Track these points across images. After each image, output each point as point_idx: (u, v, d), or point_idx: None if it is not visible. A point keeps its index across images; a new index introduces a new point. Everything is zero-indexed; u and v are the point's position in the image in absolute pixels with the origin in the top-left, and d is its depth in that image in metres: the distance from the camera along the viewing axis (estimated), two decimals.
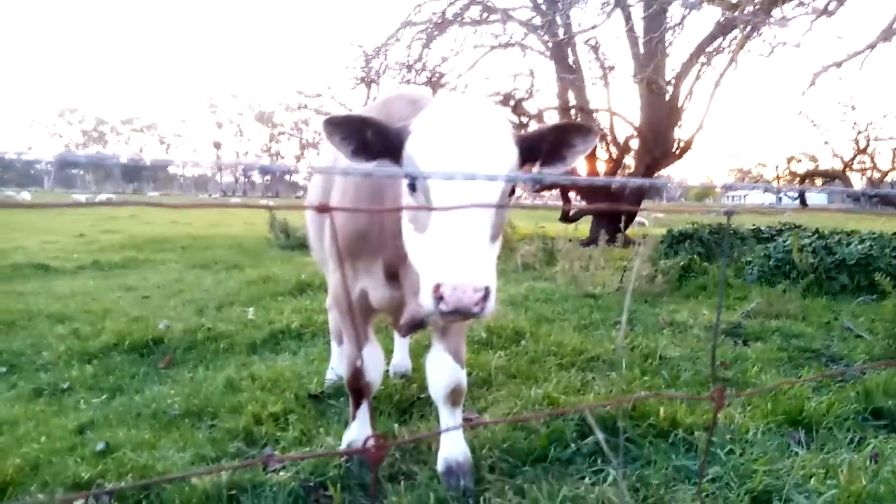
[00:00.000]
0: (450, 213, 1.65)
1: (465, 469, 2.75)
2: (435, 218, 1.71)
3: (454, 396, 2.83)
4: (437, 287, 1.62)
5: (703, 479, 2.74)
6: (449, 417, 2.88)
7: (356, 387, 2.94)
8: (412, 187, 1.83)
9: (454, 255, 1.64)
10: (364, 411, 3.02)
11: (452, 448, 2.80)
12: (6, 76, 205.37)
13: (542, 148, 1.98)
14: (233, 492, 2.65)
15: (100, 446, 3.11)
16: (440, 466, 2.79)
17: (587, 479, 2.77)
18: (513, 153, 1.85)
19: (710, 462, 2.89)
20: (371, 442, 0.86)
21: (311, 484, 2.72)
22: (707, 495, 2.63)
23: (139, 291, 7.85)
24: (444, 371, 2.80)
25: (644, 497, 2.64)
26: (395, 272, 2.50)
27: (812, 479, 2.69)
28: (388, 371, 4.11)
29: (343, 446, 2.98)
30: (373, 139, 1.88)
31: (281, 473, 2.83)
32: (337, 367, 3.99)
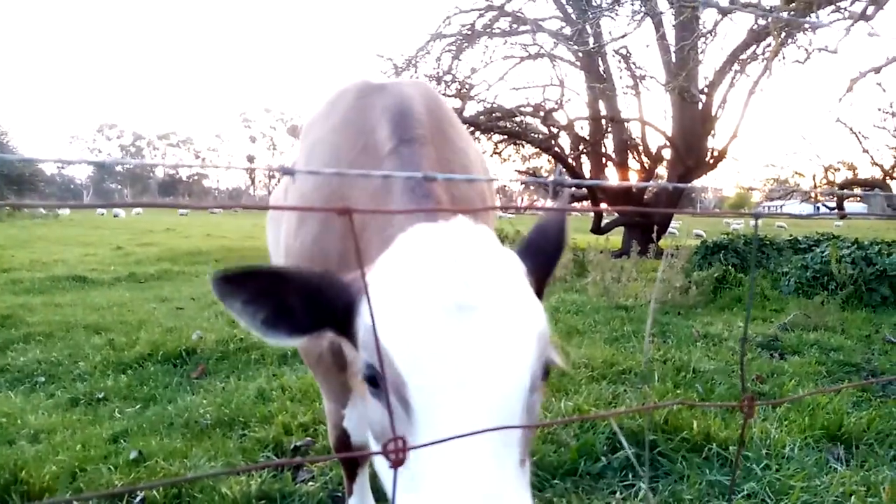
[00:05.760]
0: (449, 437, 0.91)
1: None
2: (424, 443, 0.92)
3: None
4: None
5: (738, 494, 2.68)
6: None
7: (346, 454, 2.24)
8: (372, 382, 1.05)
9: None
10: (362, 483, 2.47)
11: None
12: (47, 93, 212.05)
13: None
14: (262, 501, 2.67)
15: (133, 455, 3.15)
16: None
17: (618, 493, 2.72)
18: (537, 308, 1.12)
19: (746, 478, 2.82)
20: (391, 445, 0.84)
21: (340, 494, 2.72)
22: None
23: (173, 303, 7.98)
24: None
25: None
26: None
27: (852, 497, 2.61)
28: None
29: None
30: (298, 304, 1.12)
31: (310, 484, 2.85)
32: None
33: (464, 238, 1.10)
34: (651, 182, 16.21)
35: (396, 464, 0.84)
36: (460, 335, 0.97)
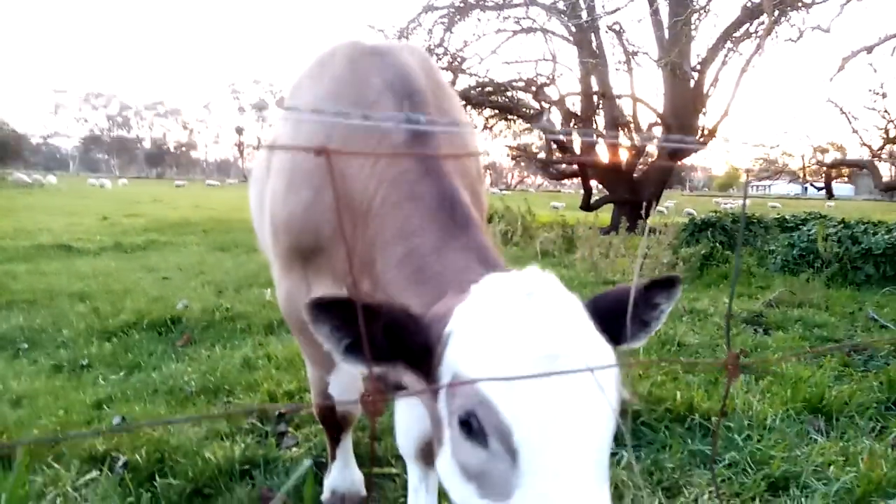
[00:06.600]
0: (555, 474, 1.00)
1: None
2: (529, 483, 1.01)
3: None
4: None
5: (720, 464, 2.71)
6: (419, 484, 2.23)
7: (330, 420, 2.34)
8: (467, 426, 1.07)
9: None
10: (346, 448, 2.45)
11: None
12: (32, 62, 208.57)
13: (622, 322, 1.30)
14: (245, 466, 2.67)
15: (116, 420, 3.14)
16: None
17: None
18: (610, 350, 1.19)
19: (727, 448, 2.85)
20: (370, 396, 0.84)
21: (323, 460, 2.72)
22: (723, 480, 2.60)
23: (160, 272, 7.92)
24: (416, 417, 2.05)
25: (659, 481, 2.61)
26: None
27: (831, 466, 2.65)
28: None
29: (326, 495, 2.43)
30: (380, 336, 1.16)
31: (294, 449, 2.85)
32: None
33: (541, 289, 1.15)
34: (646, 139, 16.19)
35: (374, 414, 0.84)
36: (557, 385, 1.03)
